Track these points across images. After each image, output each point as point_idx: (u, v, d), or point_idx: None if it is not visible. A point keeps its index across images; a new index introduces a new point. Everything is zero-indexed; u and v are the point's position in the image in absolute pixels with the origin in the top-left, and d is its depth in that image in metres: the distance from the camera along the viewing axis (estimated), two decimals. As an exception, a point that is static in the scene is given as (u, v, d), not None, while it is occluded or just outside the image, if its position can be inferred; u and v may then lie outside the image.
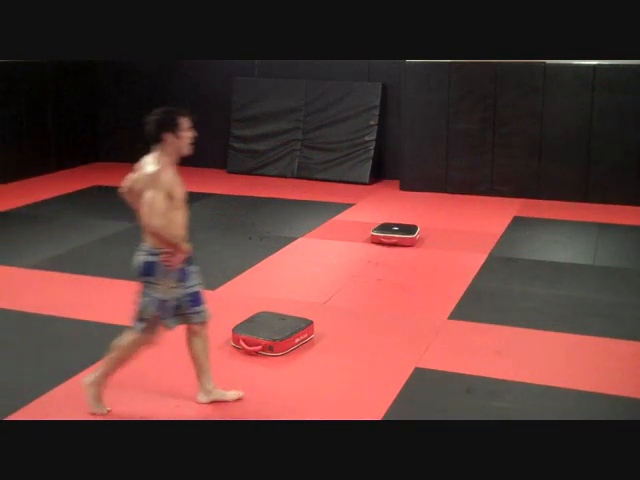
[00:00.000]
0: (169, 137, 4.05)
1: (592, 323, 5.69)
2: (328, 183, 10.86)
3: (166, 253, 4.10)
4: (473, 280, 6.67)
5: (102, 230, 8.25)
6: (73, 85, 11.79)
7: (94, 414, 4.30)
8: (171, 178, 4.05)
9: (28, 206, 9.34)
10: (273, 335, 5.13)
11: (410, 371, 4.88)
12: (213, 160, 11.69)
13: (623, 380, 4.75)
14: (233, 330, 5.26)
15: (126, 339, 4.31)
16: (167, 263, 4.11)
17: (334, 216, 8.93)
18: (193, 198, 9.72)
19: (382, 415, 4.34)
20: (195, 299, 4.34)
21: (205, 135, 11.74)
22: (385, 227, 7.91)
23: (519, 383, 4.76)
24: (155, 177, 4.00)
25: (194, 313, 4.34)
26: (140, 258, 4.20)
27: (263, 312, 5.56)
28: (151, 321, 4.23)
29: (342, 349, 5.28)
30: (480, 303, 6.17)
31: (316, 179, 11.00)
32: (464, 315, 5.86)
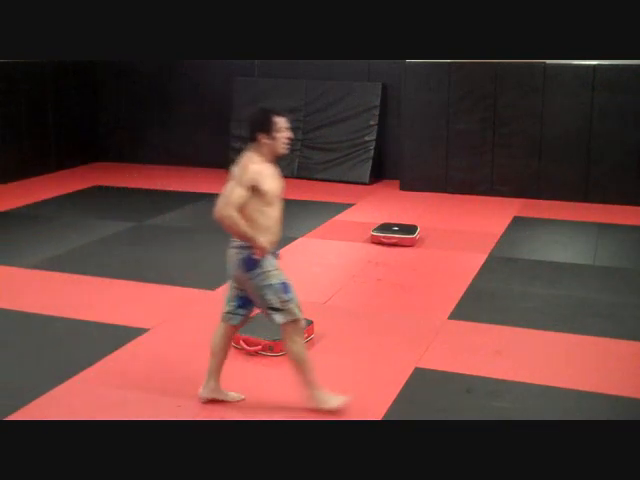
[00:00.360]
0: (263, 137, 4.09)
1: (592, 323, 5.69)
2: (328, 183, 10.86)
3: (255, 247, 4.11)
4: (473, 280, 6.67)
5: (102, 230, 8.25)
6: (73, 85, 11.79)
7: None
8: (260, 175, 4.06)
9: (28, 206, 9.34)
10: (273, 335, 5.13)
11: (410, 371, 4.88)
12: (213, 160, 11.68)
13: (623, 380, 4.75)
14: (233, 330, 5.26)
15: (288, 341, 4.28)
16: (257, 253, 4.14)
17: (334, 216, 8.93)
18: (193, 198, 9.82)
19: (382, 415, 4.34)
20: (248, 301, 4.37)
21: (205, 135, 11.85)
22: (385, 227, 7.91)
23: (519, 383, 4.76)
24: (241, 172, 4.04)
25: (242, 314, 4.40)
26: (237, 257, 4.18)
27: (263, 312, 5.56)
28: (286, 306, 4.22)
29: (342, 349, 5.28)
30: (480, 303, 6.17)
31: (316, 179, 11.00)
32: (464, 315, 5.86)
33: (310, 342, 5.31)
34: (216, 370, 4.46)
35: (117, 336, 5.40)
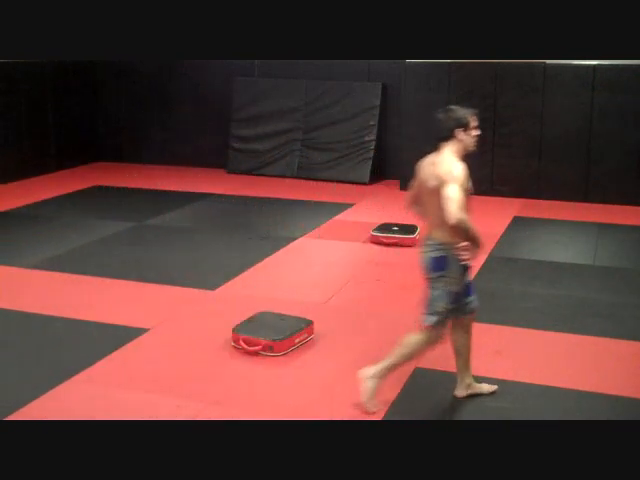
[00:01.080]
0: (460, 134, 4.22)
1: (592, 323, 5.69)
2: (328, 183, 10.86)
3: (461, 247, 4.11)
4: (473, 280, 6.66)
5: (102, 230, 8.25)
6: (73, 85, 11.79)
7: (366, 411, 4.32)
8: (465, 172, 4.14)
9: (28, 206, 9.34)
10: (273, 335, 5.13)
11: (410, 371, 4.88)
12: (213, 160, 11.69)
13: (623, 380, 4.75)
14: (233, 330, 5.26)
15: (418, 336, 4.31)
16: (464, 256, 4.14)
17: (334, 216, 8.93)
18: (193, 198, 9.83)
19: (382, 415, 4.34)
20: (470, 289, 4.40)
21: (205, 135, 11.85)
22: (385, 227, 7.91)
23: (519, 383, 4.76)
24: (451, 172, 4.10)
25: (467, 303, 4.40)
26: (429, 254, 4.21)
27: (263, 312, 5.56)
28: (443, 314, 4.25)
29: (342, 349, 5.28)
30: (480, 303, 6.15)
31: (316, 179, 11.00)
32: (464, 315, 5.85)
33: (310, 342, 5.32)
34: (465, 367, 4.50)
35: (117, 336, 5.40)
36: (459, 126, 4.22)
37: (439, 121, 4.28)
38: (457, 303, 4.28)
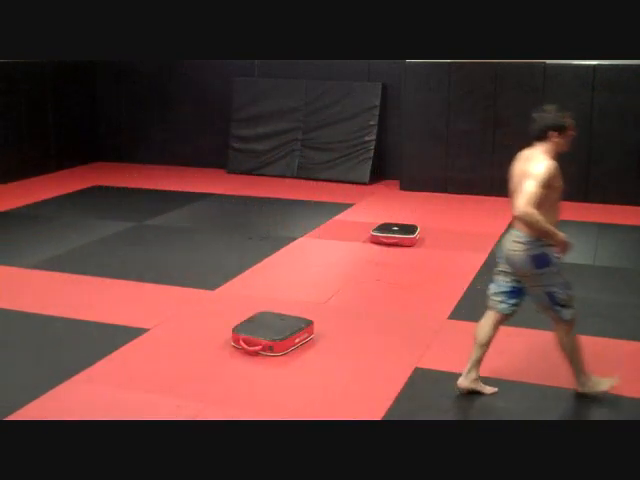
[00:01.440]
0: (554, 136, 4.30)
1: (592, 323, 5.69)
2: (328, 183, 10.86)
3: (556, 243, 4.23)
4: (473, 280, 6.67)
5: (102, 230, 8.25)
6: (73, 85, 11.79)
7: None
8: (553, 171, 4.21)
9: (28, 206, 9.34)
10: (273, 335, 5.13)
11: (410, 371, 4.88)
12: (213, 160, 11.69)
13: (623, 380, 4.75)
14: (233, 330, 5.26)
15: (566, 336, 4.44)
16: (560, 252, 4.28)
17: (334, 216, 8.93)
18: (193, 198, 9.82)
19: (382, 415, 4.33)
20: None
21: (205, 135, 11.85)
22: (385, 227, 7.91)
23: (519, 383, 4.76)
24: (535, 169, 4.19)
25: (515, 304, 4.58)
26: (527, 253, 4.30)
27: (263, 312, 5.56)
28: (571, 302, 4.39)
29: (342, 349, 5.28)
30: (480, 303, 6.14)
31: (316, 179, 11.01)
32: (464, 315, 5.86)
33: (310, 342, 5.32)
34: (479, 361, 4.57)
35: (117, 336, 5.40)
36: (554, 129, 4.31)
37: (534, 121, 4.38)
38: (571, 289, 4.41)
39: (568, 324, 4.43)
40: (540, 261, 4.28)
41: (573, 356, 4.51)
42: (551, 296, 4.35)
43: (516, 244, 4.33)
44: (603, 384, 4.57)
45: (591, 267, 7.13)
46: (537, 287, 4.37)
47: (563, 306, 4.37)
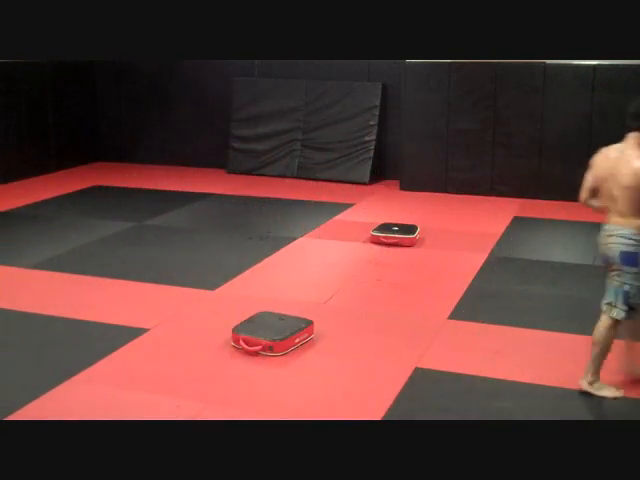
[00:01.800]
0: None
1: (592, 323, 5.67)
2: (328, 183, 10.86)
3: None
4: (473, 280, 6.67)
5: (102, 230, 8.25)
6: (73, 85, 11.79)
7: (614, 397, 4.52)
8: None
9: (28, 206, 9.34)
10: (273, 335, 5.13)
11: (410, 371, 4.88)
12: (213, 160, 11.68)
13: (623, 380, 4.75)
14: (233, 330, 5.26)
15: (604, 330, 4.47)
16: None
17: (334, 216, 8.93)
18: (193, 198, 9.82)
19: (382, 415, 4.33)
20: None
21: (205, 135, 11.85)
22: (385, 227, 7.91)
23: (519, 383, 4.76)
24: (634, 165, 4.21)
25: None
26: (619, 247, 4.31)
27: (263, 312, 5.56)
28: (631, 309, 4.40)
29: (342, 349, 5.28)
30: (480, 303, 6.17)
31: (316, 179, 11.00)
32: (464, 315, 5.86)
33: (310, 342, 5.32)
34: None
35: (117, 336, 5.40)
36: None
37: (631, 111, 4.44)
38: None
39: (616, 321, 4.45)
40: (630, 259, 4.29)
41: (600, 352, 4.52)
42: (621, 294, 4.38)
43: (614, 237, 4.34)
44: (607, 391, 4.56)
45: (591, 267, 7.12)
46: (615, 282, 4.39)
47: (620, 303, 4.40)
